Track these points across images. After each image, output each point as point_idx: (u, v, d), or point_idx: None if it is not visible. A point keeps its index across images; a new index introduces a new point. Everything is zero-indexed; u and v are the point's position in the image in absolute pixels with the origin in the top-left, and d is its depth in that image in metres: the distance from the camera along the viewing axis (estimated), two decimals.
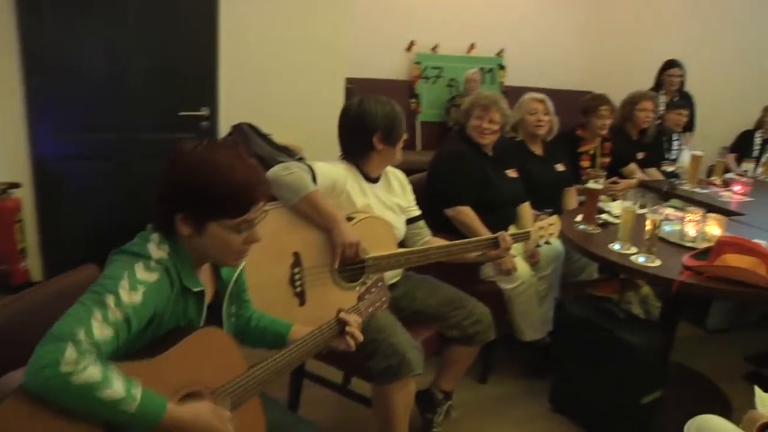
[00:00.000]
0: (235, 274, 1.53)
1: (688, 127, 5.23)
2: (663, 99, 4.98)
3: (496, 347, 2.77)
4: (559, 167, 3.42)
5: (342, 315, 1.59)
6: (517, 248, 2.65)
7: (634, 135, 4.14)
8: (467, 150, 2.91)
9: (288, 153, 3.63)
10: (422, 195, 2.47)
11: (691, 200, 3.55)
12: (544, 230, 2.49)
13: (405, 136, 2.24)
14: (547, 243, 2.57)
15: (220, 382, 1.34)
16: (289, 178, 1.97)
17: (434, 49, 6.25)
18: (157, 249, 1.31)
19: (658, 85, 5.19)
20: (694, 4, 5.98)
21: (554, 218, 2.52)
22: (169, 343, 1.28)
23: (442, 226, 2.72)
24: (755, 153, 4.97)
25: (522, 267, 2.79)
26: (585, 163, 3.74)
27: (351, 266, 2.07)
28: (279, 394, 2.42)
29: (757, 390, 1.79)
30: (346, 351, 1.60)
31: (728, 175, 4.17)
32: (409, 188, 2.42)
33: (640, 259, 2.36)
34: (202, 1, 3.60)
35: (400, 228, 2.32)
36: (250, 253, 1.41)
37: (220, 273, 1.50)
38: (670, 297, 2.64)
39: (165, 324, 1.32)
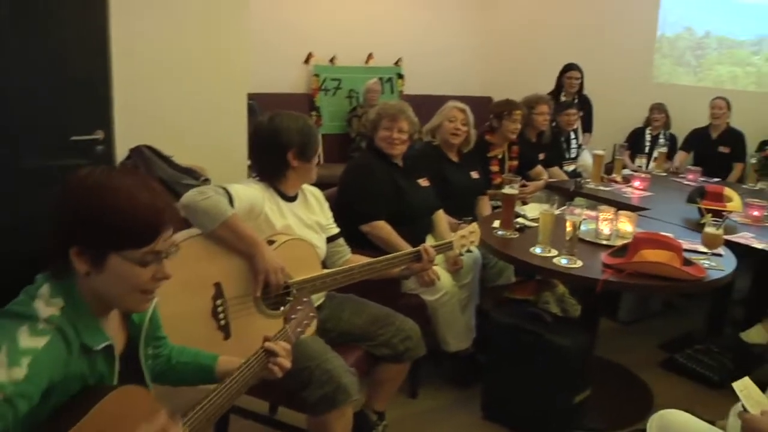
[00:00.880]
0: (149, 314, 1.38)
1: (587, 127, 5.47)
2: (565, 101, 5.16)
3: (424, 361, 2.72)
4: (474, 174, 3.44)
5: (267, 345, 1.47)
6: (437, 258, 2.63)
7: (533, 138, 4.25)
8: (376, 162, 2.87)
9: (192, 175, 3.43)
10: (336, 211, 2.41)
11: (596, 198, 3.68)
12: (466, 239, 2.48)
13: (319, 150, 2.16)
14: (468, 251, 2.57)
15: None
16: (206, 203, 1.84)
17: (332, 60, 6.22)
18: (45, 306, 1.12)
19: (558, 88, 5.38)
20: (587, 10, 6.27)
21: (474, 226, 2.52)
22: (75, 413, 1.08)
23: (359, 242, 2.65)
24: (647, 149, 5.26)
25: (444, 277, 2.77)
26: (494, 168, 3.78)
27: (275, 293, 1.95)
28: None
29: (740, 389, 1.50)
30: (274, 378, 1.49)
31: (626, 172, 4.36)
32: (326, 205, 2.35)
33: (563, 261, 2.39)
34: (90, 13, 3.28)
35: (322, 247, 2.24)
36: (157, 293, 1.26)
37: (131, 316, 1.34)
38: (591, 296, 2.69)
39: (70, 388, 1.14)
